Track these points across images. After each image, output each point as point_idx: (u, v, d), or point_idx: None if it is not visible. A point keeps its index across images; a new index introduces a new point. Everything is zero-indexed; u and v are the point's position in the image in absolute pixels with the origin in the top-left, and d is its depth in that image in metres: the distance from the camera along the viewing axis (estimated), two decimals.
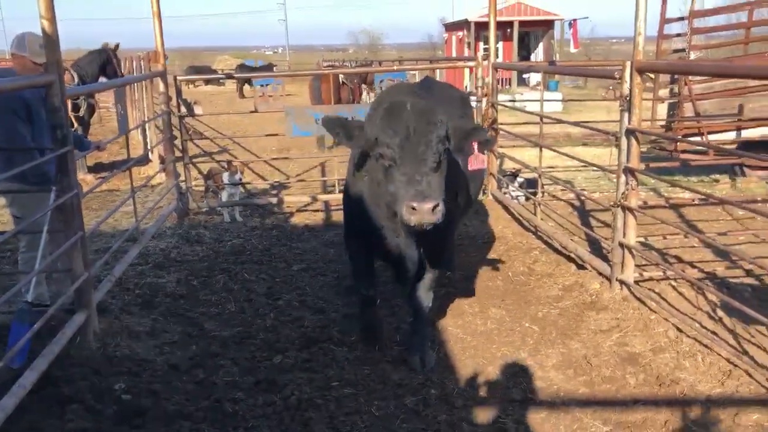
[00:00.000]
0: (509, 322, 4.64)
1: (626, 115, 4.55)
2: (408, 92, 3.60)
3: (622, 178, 4.67)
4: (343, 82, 14.18)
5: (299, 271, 5.85)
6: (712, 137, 9.40)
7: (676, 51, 10.27)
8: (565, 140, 14.08)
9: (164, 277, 5.66)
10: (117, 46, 10.46)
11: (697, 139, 9.17)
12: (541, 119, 6.51)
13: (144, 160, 9.99)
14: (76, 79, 9.56)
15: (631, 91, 4.47)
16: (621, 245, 4.75)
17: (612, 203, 4.86)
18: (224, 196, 7.69)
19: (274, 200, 8.21)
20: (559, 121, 7.18)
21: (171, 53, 8.64)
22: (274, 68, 36.27)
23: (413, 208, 3.07)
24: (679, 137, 8.85)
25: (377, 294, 4.52)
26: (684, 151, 9.17)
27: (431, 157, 3.20)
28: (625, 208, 4.66)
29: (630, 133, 4.54)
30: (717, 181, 9.73)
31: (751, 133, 9.41)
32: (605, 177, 9.93)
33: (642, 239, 5.40)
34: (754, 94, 9.27)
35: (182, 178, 7.74)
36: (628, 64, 4.48)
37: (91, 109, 10.63)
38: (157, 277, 5.66)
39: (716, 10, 10.99)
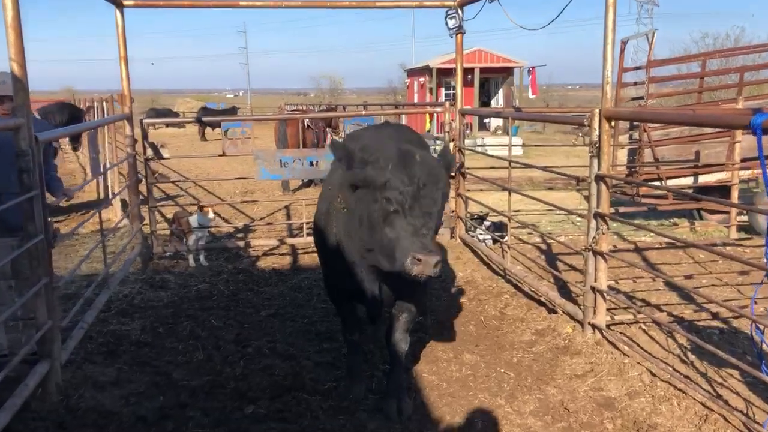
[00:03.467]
0: (484, 368, 4.60)
1: (595, 161, 4.64)
2: (390, 137, 3.61)
3: (593, 222, 4.73)
4: (308, 126, 14.23)
5: (268, 316, 5.74)
6: (671, 183, 9.66)
7: (634, 99, 10.59)
8: (528, 184, 14.32)
9: (128, 325, 5.49)
10: (88, 108, 10.80)
11: (662, 183, 9.39)
12: (510, 164, 6.60)
13: (106, 205, 9.79)
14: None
15: (600, 138, 4.57)
16: (593, 289, 4.78)
17: (583, 248, 4.91)
18: (191, 240, 7.55)
19: (241, 244, 8.09)
20: (528, 166, 7.27)
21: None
22: (237, 111, 36.30)
23: (418, 260, 3.07)
24: (646, 183, 9.05)
25: (361, 339, 4.44)
26: (645, 196, 9.38)
27: (435, 213, 3.28)
28: (596, 253, 4.72)
29: (600, 179, 4.62)
30: (676, 225, 9.95)
31: (707, 179, 9.70)
32: (569, 220, 10.10)
33: (611, 283, 5.46)
34: (710, 140, 9.58)
35: (146, 221, 7.59)
36: (597, 111, 4.58)
37: (54, 152, 10.77)
38: (121, 325, 5.49)
39: (671, 60, 11.41)
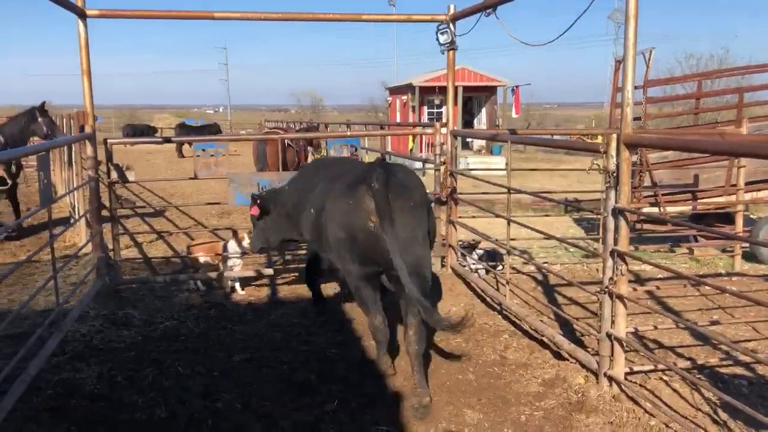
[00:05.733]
0: (489, 429, 4.02)
1: (613, 192, 4.11)
2: None
3: (609, 261, 4.20)
4: (288, 144, 13.67)
5: (241, 362, 5.10)
6: (669, 208, 9.23)
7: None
8: (515, 206, 13.84)
9: (83, 371, 4.84)
10: (43, 104, 9.99)
11: (660, 209, 8.93)
12: (509, 191, 6.08)
13: (68, 227, 9.11)
14: (2, 140, 9.49)
15: (618, 166, 4.05)
16: (609, 337, 4.24)
17: (598, 289, 4.37)
18: (228, 268, 7.13)
19: (213, 273, 7.45)
20: (535, 194, 6.75)
21: (108, 111, 8.20)
22: (220, 127, 35.63)
23: None
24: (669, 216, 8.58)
25: None
26: (644, 221, 8.92)
27: None
28: (615, 296, 4.18)
29: (618, 212, 4.09)
30: (673, 251, 9.49)
31: (706, 203, 9.27)
32: (561, 246, 9.60)
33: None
34: (709, 164, 9.18)
35: (110, 249, 6.96)
36: (615, 137, 4.07)
37: (18, 170, 10.23)
38: (75, 371, 4.84)
39: (670, 79, 11.04)
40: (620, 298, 4.15)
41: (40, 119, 9.70)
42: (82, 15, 6.16)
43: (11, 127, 9.64)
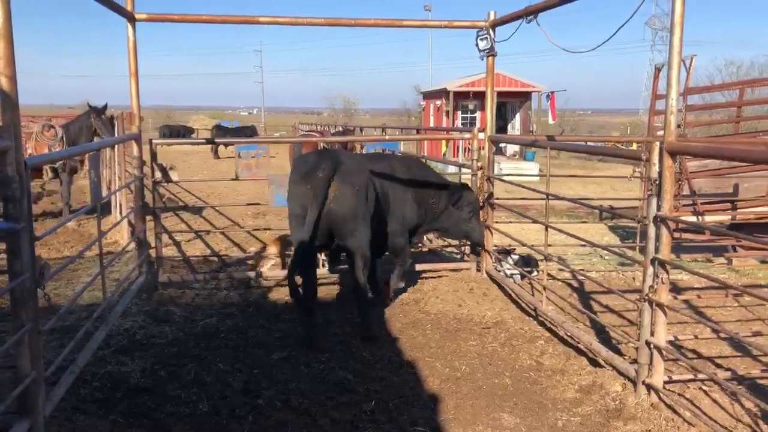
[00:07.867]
0: None
1: (655, 200, 4.11)
2: None
3: (650, 269, 4.19)
4: (324, 147, 13.81)
5: (280, 360, 5.19)
6: (707, 217, 9.13)
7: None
8: (550, 212, 13.77)
9: (127, 365, 4.98)
10: (105, 106, 10.76)
11: (698, 219, 8.83)
12: (547, 197, 6.10)
13: (115, 225, 9.34)
14: (59, 134, 10.37)
15: (661, 174, 4.05)
16: (648, 345, 4.23)
17: (638, 297, 4.37)
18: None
19: (251, 273, 7.57)
20: (575, 200, 6.75)
21: (145, 111, 8.57)
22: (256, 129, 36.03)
23: None
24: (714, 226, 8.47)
25: None
26: (683, 230, 8.84)
27: None
28: (655, 304, 4.17)
29: (660, 220, 4.09)
30: (710, 261, 9.38)
31: (746, 213, 9.15)
32: (596, 254, 9.55)
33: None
34: (749, 174, 9.06)
35: (152, 247, 7.13)
36: (657, 145, 4.08)
37: (73, 169, 10.90)
38: (119, 365, 4.98)
39: (709, 87, 10.91)
40: (660, 306, 4.14)
41: (93, 119, 10.34)
42: (132, 19, 6.34)
43: (74, 126, 10.52)
